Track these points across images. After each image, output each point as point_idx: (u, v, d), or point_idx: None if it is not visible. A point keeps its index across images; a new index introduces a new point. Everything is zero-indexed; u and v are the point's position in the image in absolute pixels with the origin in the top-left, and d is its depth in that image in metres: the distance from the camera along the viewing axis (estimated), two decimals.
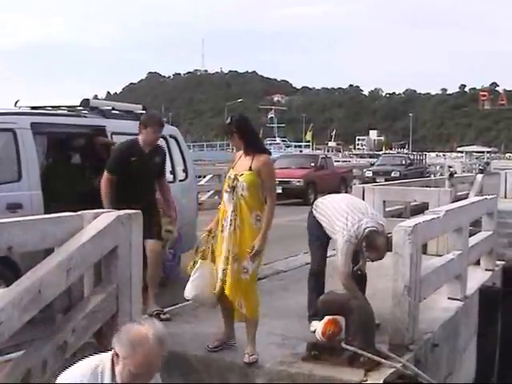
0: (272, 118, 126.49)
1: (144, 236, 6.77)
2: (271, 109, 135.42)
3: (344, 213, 7.13)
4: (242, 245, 6.34)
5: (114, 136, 9.82)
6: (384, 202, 12.80)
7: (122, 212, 6.10)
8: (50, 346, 5.40)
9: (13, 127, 8.57)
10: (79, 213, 5.88)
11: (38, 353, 5.35)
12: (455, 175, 24.06)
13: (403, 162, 43.82)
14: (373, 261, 7.22)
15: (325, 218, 7.44)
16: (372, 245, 6.96)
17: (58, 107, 10.39)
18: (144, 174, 7.80)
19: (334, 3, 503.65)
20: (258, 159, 6.37)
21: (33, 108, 10.23)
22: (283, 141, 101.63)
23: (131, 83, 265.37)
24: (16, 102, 10.60)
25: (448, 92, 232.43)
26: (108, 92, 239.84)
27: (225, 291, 6.41)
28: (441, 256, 9.13)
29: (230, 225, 6.37)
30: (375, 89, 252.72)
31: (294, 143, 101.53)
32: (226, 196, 6.45)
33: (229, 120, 6.53)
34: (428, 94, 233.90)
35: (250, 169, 6.33)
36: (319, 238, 7.69)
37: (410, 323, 6.82)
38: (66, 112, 10.20)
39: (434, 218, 7.75)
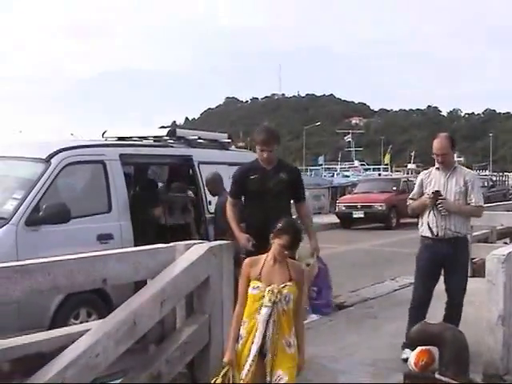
0: (350, 141, 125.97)
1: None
2: (348, 132, 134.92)
3: None
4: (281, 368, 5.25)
5: (200, 165, 9.90)
6: (471, 226, 12.53)
7: (213, 243, 6.16)
8: (144, 376, 5.46)
9: (102, 159, 8.74)
10: (172, 244, 5.94)
11: (133, 382, 5.42)
12: None
13: (485, 184, 42.74)
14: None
15: None
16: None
17: (145, 138, 10.54)
18: (266, 191, 7.15)
19: (411, 24, 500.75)
20: (296, 269, 5.50)
21: (120, 139, 10.41)
22: (361, 164, 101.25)
23: (209, 108, 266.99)
24: (103, 133, 10.79)
25: None
26: (186, 118, 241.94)
27: None
28: None
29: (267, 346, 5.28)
30: (454, 109, 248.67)
31: (372, 166, 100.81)
32: (264, 312, 5.25)
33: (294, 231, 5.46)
34: (508, 113, 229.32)
35: (291, 279, 5.38)
36: (427, 269, 7.62)
37: (504, 353, 6.68)
38: (152, 142, 10.34)
39: None
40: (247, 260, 5.63)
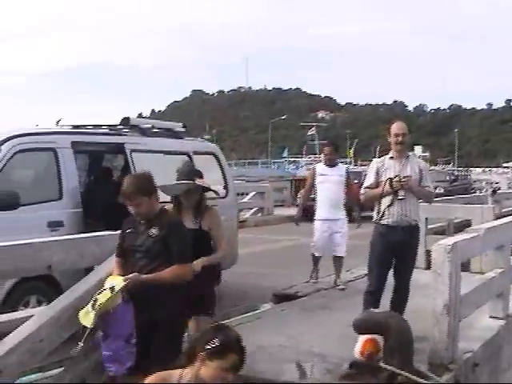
0: (313, 135, 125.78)
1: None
2: (312, 126, 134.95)
3: None
4: None
5: (133, 153, 9.85)
6: (426, 218, 12.61)
7: None
8: (88, 364, 5.45)
9: (54, 146, 8.68)
10: (118, 231, 5.92)
11: (76, 369, 5.40)
12: (499, 191, 23.77)
13: (447, 178, 43.07)
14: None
15: None
16: None
17: (100, 126, 10.46)
18: (135, 249, 5.69)
19: (379, 21, 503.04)
20: None
21: (74, 127, 10.33)
22: None
23: (175, 101, 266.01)
24: (58, 121, 10.70)
25: (494, 107, 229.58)
26: (153, 110, 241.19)
27: None
28: (485, 274, 9.00)
29: None
30: (420, 104, 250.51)
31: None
32: None
33: None
34: (473, 109, 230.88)
35: None
36: (381, 256, 7.72)
37: (449, 342, 6.73)
38: (106, 131, 10.25)
39: (474, 236, 7.66)
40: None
